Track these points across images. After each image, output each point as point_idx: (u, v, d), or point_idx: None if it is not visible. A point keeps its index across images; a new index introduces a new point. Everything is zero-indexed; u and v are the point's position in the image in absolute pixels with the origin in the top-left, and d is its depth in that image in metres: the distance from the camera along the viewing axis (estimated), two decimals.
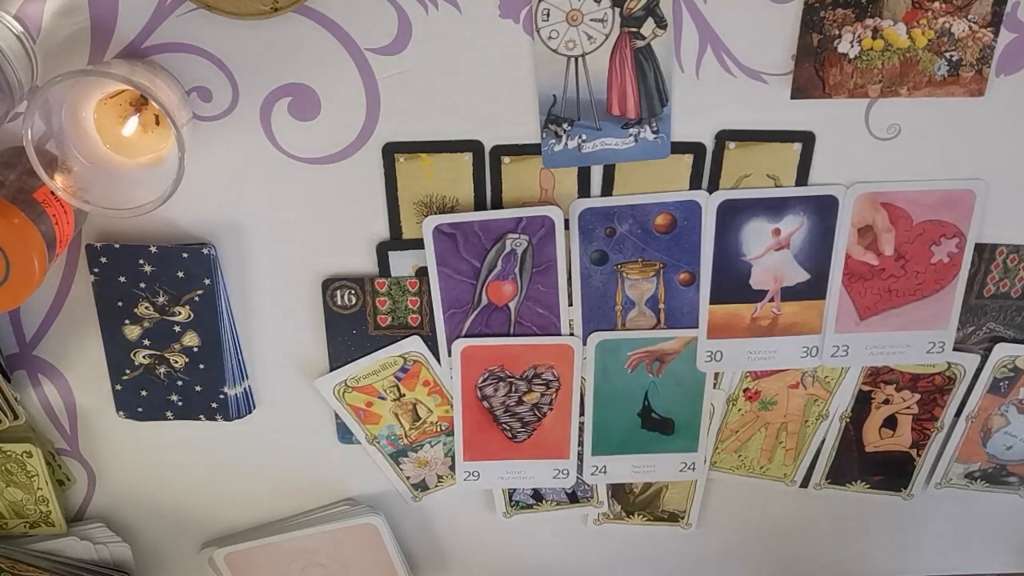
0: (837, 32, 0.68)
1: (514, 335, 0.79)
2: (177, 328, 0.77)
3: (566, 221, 0.75)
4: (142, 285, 0.75)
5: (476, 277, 0.76)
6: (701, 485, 0.89)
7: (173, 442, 0.84)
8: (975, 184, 0.75)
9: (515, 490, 0.89)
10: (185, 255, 0.73)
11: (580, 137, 0.71)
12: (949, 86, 0.71)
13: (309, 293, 0.77)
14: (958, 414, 0.86)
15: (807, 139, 0.73)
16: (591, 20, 0.68)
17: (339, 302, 0.78)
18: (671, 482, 0.89)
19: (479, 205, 0.74)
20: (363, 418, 0.83)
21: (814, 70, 0.70)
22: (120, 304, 0.76)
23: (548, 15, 0.67)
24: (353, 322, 0.78)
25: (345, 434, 0.84)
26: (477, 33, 0.68)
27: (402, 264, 0.77)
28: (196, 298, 0.75)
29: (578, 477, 0.87)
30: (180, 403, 0.80)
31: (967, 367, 0.83)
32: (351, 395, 0.82)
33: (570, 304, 0.78)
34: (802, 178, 0.74)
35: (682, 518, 0.92)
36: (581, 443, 0.85)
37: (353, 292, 0.77)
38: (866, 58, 0.69)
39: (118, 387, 0.80)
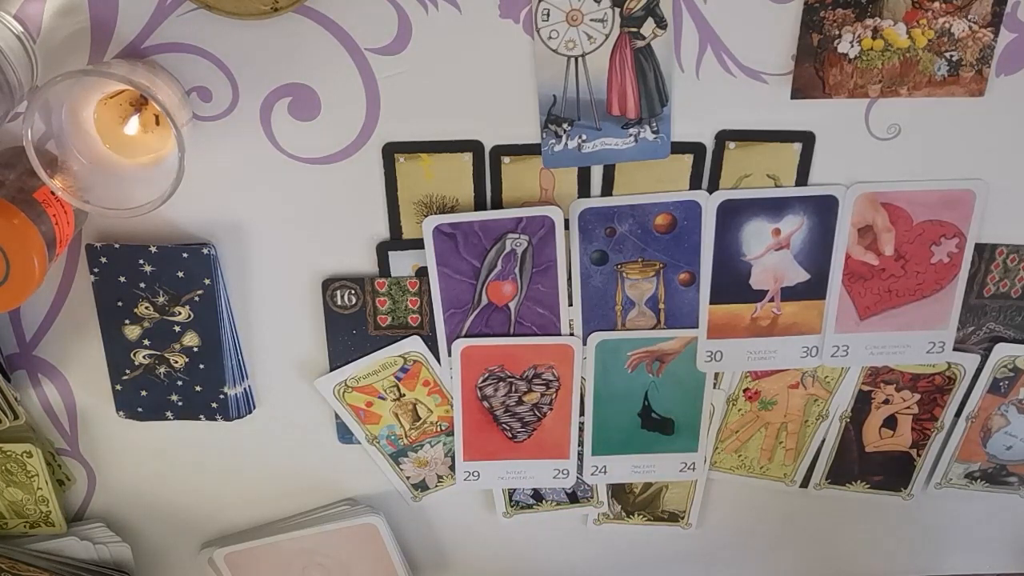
0: (837, 32, 0.68)
1: (514, 335, 0.79)
2: (177, 328, 0.77)
3: (566, 221, 0.75)
4: (142, 285, 0.75)
5: (476, 277, 0.76)
6: (701, 485, 0.89)
7: (173, 442, 0.84)
8: (975, 184, 0.75)
9: (515, 490, 0.89)
10: (185, 255, 0.73)
11: (580, 137, 0.71)
12: (949, 86, 0.71)
13: (309, 293, 0.77)
14: (958, 414, 0.86)
15: (807, 139, 0.73)
16: (591, 20, 0.68)
17: (339, 302, 0.78)
18: (671, 482, 0.89)
19: (479, 205, 0.74)
20: (363, 418, 0.83)
21: (814, 70, 0.70)
22: (120, 304, 0.76)
23: (548, 15, 0.67)
24: (353, 322, 0.78)
25: (345, 434, 0.84)
26: (477, 33, 0.68)
27: (402, 264, 0.77)
28: (196, 298, 0.75)
29: (578, 477, 0.87)
30: (180, 403, 0.80)
31: (967, 367, 0.83)
32: (351, 395, 0.82)
33: (570, 304, 0.78)
34: (802, 178, 0.74)
35: (682, 518, 0.92)
36: (581, 443, 0.85)
37: (353, 292, 0.77)
38: (866, 58, 0.69)
39: (118, 387, 0.80)
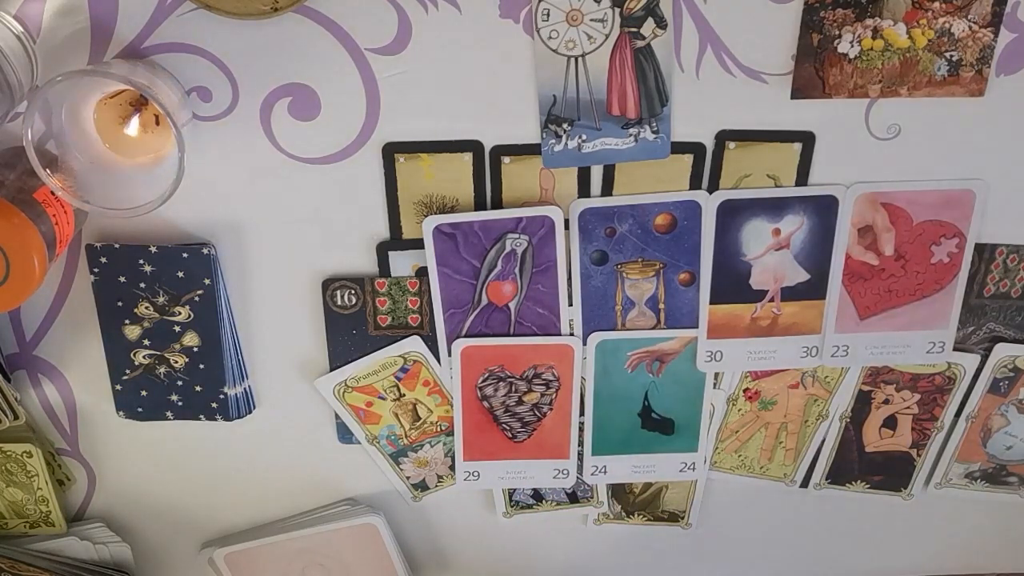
0: (837, 32, 0.68)
1: (514, 335, 0.79)
2: (177, 328, 0.77)
3: (566, 221, 0.75)
4: (142, 285, 0.75)
5: (476, 277, 0.76)
6: (701, 485, 0.89)
7: (173, 442, 0.84)
8: (975, 184, 0.75)
9: (515, 490, 0.89)
10: (185, 255, 0.73)
11: (580, 137, 0.71)
12: (949, 86, 0.71)
13: (309, 293, 0.77)
14: (958, 414, 0.86)
15: (807, 139, 0.73)
16: (591, 20, 0.68)
17: (339, 302, 0.78)
18: (671, 482, 0.89)
19: (479, 205, 0.74)
20: (363, 418, 0.83)
21: (814, 70, 0.70)
22: (120, 304, 0.76)
23: (548, 15, 0.67)
24: (353, 322, 0.78)
25: (345, 434, 0.84)
26: (477, 33, 0.68)
27: (402, 264, 0.77)
28: (196, 298, 0.75)
29: (578, 477, 0.87)
30: (180, 403, 0.80)
31: (967, 367, 0.83)
32: (351, 395, 0.82)
33: (570, 304, 0.78)
34: (802, 178, 0.74)
35: (682, 518, 0.92)
36: (581, 443, 0.85)
37: (353, 292, 0.77)
38: (866, 58, 0.69)
39: (118, 387, 0.80)
